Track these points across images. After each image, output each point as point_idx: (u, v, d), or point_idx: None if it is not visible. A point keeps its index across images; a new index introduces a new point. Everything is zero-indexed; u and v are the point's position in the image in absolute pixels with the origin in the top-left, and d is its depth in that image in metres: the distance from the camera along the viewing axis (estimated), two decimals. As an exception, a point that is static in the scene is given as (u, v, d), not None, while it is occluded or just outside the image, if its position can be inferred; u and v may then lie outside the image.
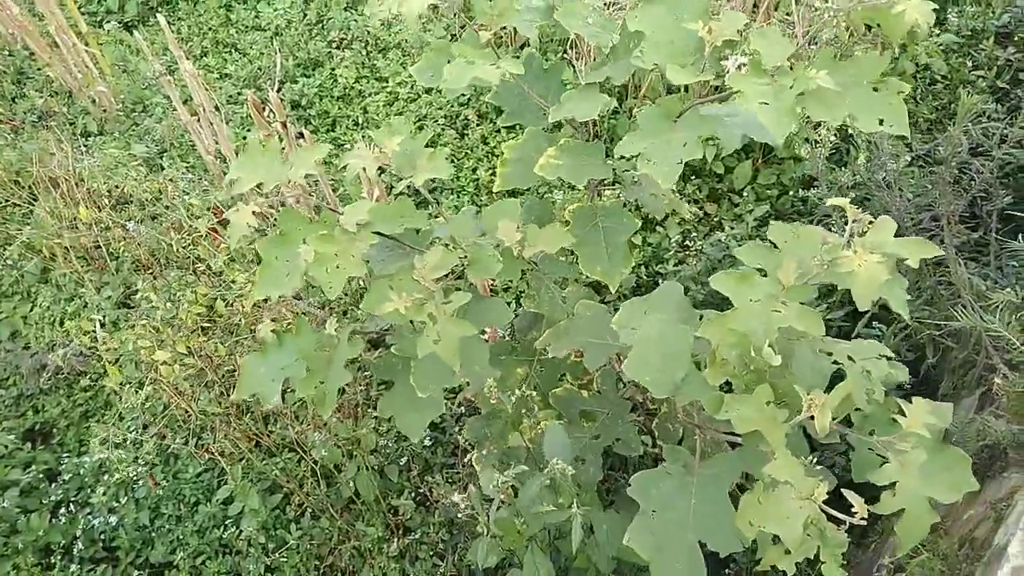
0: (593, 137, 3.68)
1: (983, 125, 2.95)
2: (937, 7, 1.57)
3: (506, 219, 1.94)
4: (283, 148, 1.93)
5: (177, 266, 3.73)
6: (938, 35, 3.84)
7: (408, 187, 1.89)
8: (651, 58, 1.70)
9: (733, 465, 1.85)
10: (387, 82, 4.60)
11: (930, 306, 2.72)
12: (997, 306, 2.24)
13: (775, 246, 1.68)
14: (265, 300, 3.25)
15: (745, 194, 3.73)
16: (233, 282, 3.17)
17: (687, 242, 3.62)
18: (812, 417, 1.55)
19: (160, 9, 5.44)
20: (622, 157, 1.93)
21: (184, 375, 2.98)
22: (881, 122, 1.54)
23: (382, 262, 2.02)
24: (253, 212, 1.84)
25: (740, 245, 3.32)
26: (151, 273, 3.78)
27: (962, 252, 2.84)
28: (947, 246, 2.66)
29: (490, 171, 4.13)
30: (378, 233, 1.84)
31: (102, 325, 3.47)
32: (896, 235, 1.57)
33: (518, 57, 1.89)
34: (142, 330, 3.01)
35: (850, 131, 3.19)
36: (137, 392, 2.98)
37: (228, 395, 3.17)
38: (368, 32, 4.80)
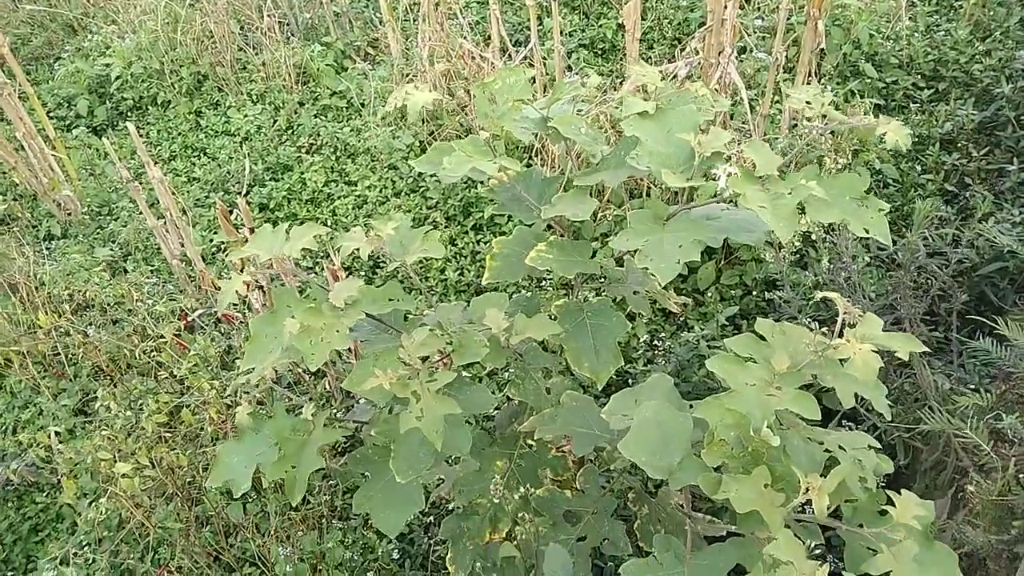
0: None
1: (937, 231, 3.07)
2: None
3: (494, 309, 2.01)
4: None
5: (138, 372, 3.64)
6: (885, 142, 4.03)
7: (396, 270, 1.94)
8: (645, 162, 1.78)
9: (727, 555, 1.79)
10: (356, 186, 4.66)
11: (897, 405, 2.75)
12: (964, 409, 2.27)
13: (763, 338, 1.72)
14: (229, 407, 3.19)
15: (709, 295, 3.79)
16: (199, 389, 3.09)
17: (655, 342, 3.65)
18: (808, 502, 1.55)
19: (130, 115, 5.51)
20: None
21: (143, 487, 2.86)
22: (867, 231, 1.64)
23: (367, 342, 2.07)
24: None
25: (709, 344, 3.37)
26: (111, 380, 3.68)
27: (925, 353, 2.90)
28: (911, 347, 2.71)
29: (458, 271, 4.16)
30: (366, 313, 1.90)
31: (57, 434, 3.35)
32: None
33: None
34: (101, 440, 2.90)
35: (813, 236, 3.29)
36: (94, 506, 2.85)
37: (189, 507, 3.04)
38: (338, 138, 4.89)
